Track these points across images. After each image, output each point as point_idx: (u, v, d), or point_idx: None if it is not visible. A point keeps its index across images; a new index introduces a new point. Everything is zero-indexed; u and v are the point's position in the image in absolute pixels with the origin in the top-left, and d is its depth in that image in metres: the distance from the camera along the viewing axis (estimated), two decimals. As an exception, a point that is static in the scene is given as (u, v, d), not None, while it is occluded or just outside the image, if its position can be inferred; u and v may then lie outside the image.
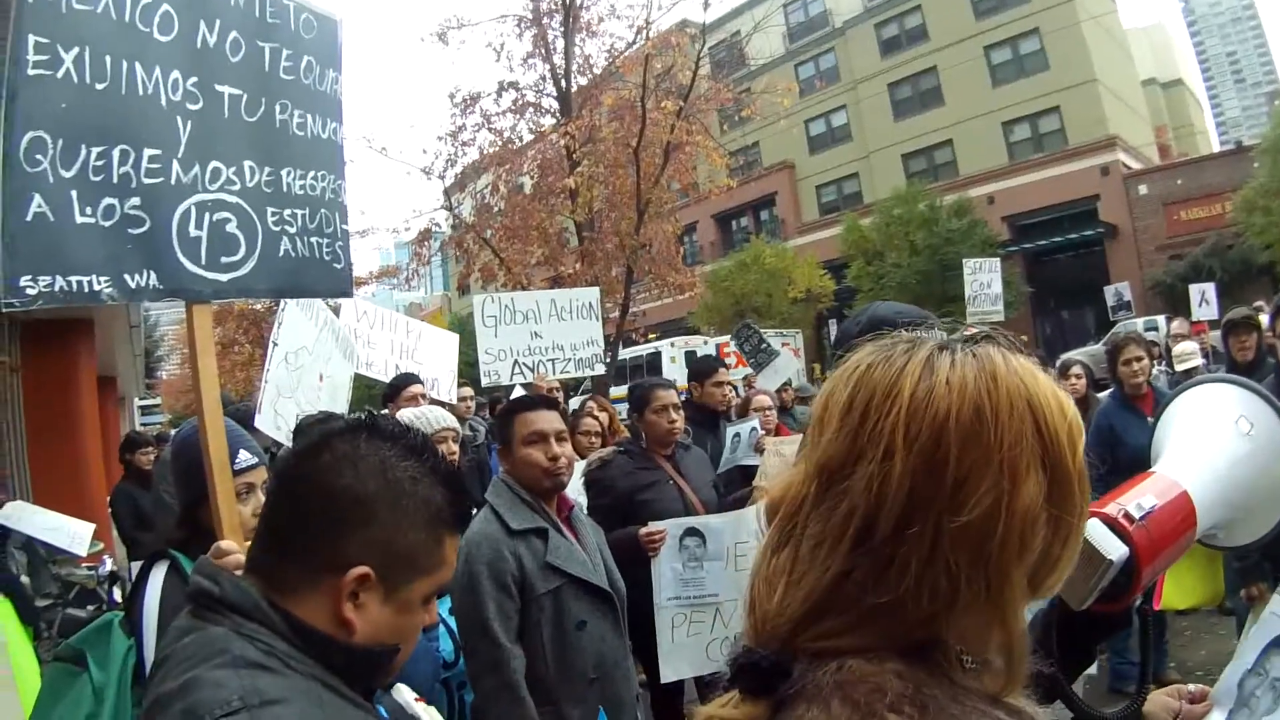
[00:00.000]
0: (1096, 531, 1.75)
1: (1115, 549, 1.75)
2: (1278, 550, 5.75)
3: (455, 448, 6.26)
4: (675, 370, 28.64)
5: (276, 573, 1.87)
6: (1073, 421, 1.23)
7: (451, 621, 4.46)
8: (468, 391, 11.02)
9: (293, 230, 4.08)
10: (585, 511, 5.37)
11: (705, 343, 29.00)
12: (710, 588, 5.96)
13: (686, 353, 31.22)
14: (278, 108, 4.04)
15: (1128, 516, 1.81)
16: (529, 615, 4.27)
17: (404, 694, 2.45)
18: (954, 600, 1.14)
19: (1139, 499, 1.88)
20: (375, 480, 1.91)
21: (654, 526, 5.92)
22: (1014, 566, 1.17)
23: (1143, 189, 44.95)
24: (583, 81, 24.25)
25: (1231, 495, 2.12)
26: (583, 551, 4.56)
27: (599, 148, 22.72)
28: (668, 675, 5.86)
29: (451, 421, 6.39)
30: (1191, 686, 2.27)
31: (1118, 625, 2.02)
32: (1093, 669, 5.86)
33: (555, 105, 24.31)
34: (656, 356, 33.01)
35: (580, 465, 6.60)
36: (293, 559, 1.87)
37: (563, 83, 23.87)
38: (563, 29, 23.69)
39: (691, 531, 6.00)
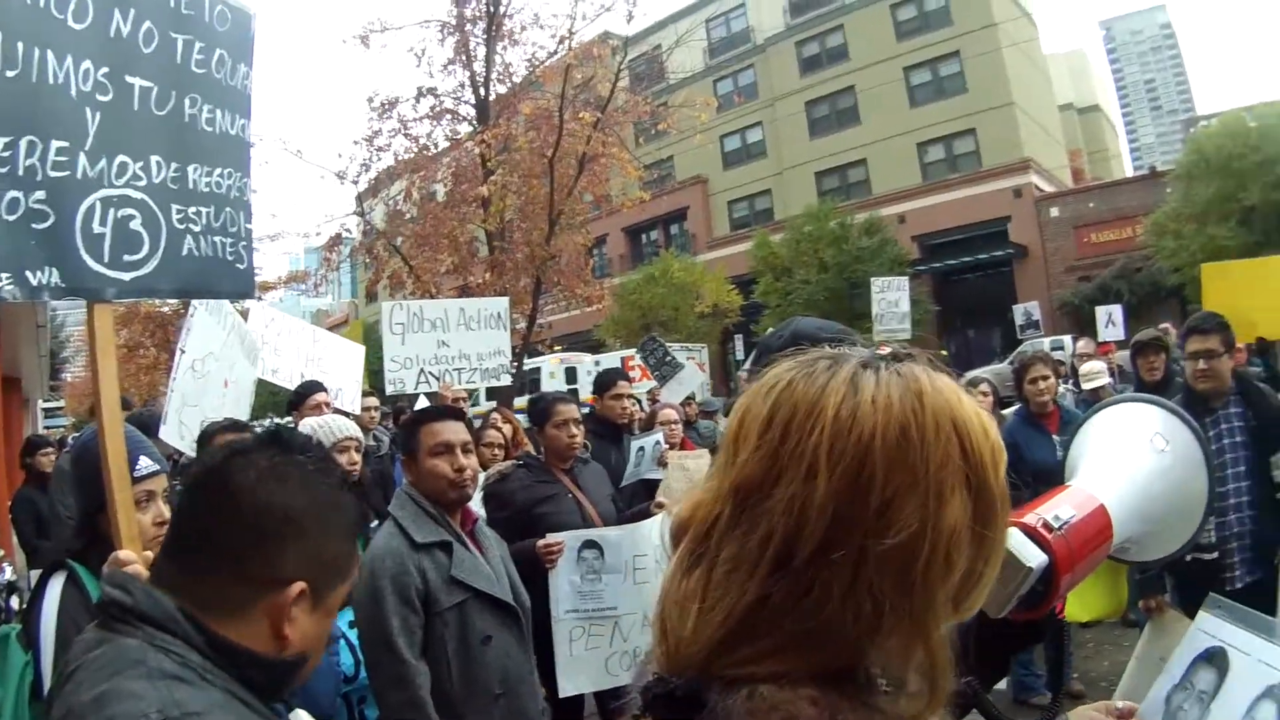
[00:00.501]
0: (1016, 540, 1.77)
1: (1034, 557, 1.78)
2: (1178, 564, 5.89)
3: (358, 457, 6.26)
4: (554, 386, 28.52)
5: (201, 590, 1.84)
6: (995, 442, 1.22)
7: (352, 635, 4.41)
8: (373, 401, 10.96)
9: (197, 229, 4.01)
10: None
11: (597, 361, 28.93)
12: (608, 601, 6.00)
13: (567, 369, 31.18)
14: (187, 102, 3.97)
15: (1047, 526, 1.84)
16: (433, 630, 4.22)
17: (301, 718, 2.41)
18: (878, 625, 1.12)
19: (1057, 510, 1.91)
20: (302, 495, 1.91)
21: (552, 538, 5.94)
22: (939, 588, 1.15)
23: (1054, 211, 45.93)
24: (502, 90, 24.18)
25: (1146, 509, 2.18)
26: (487, 565, 4.53)
27: (514, 157, 22.70)
28: (566, 689, 5.85)
29: (354, 431, 6.38)
30: (1120, 703, 2.30)
31: (1036, 635, 2.07)
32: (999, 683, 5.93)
33: (473, 113, 24.17)
34: (536, 372, 32.69)
35: (481, 478, 6.56)
36: (222, 576, 1.85)
37: (481, 90, 23.77)
38: (485, 36, 23.55)
39: (589, 544, 6.05)
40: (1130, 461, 2.26)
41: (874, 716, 1.12)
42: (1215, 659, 2.37)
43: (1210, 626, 2.46)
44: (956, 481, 1.15)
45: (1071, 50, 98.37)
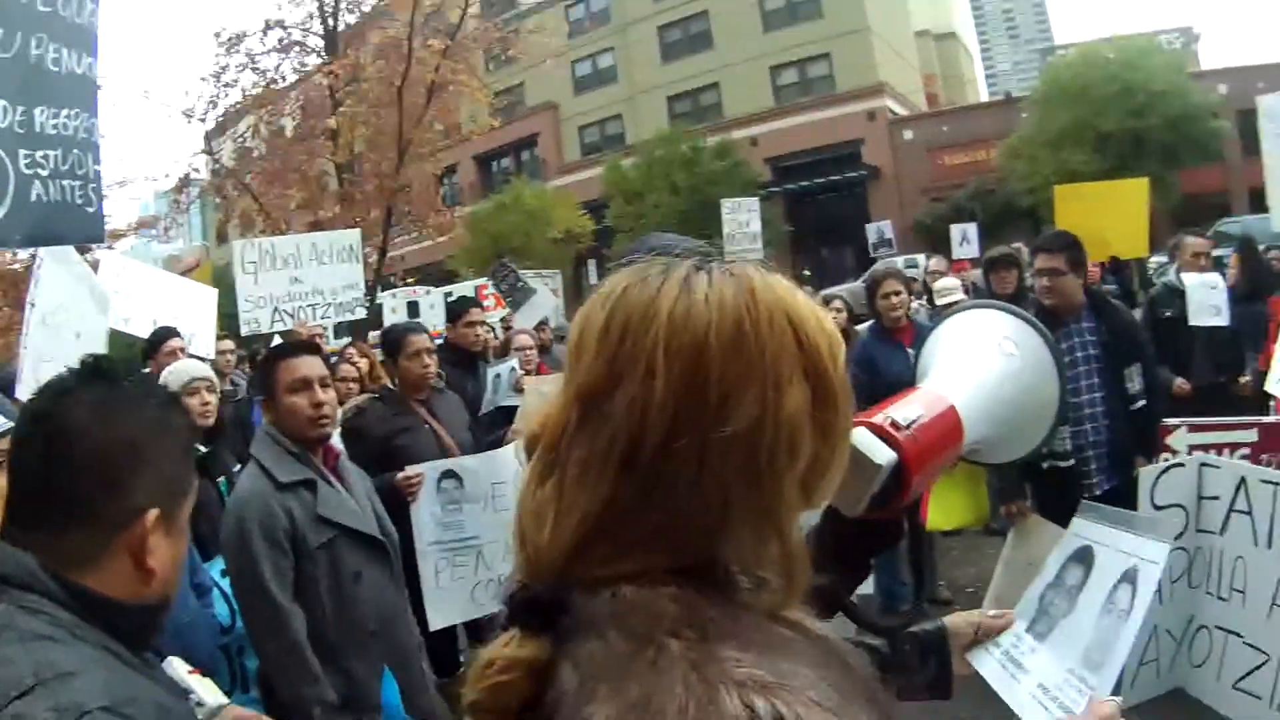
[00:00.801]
0: (864, 439, 1.80)
1: (884, 454, 1.79)
2: (1035, 471, 6.16)
3: (210, 398, 6.14)
4: (396, 320, 28.07)
5: (58, 544, 1.79)
6: (832, 335, 1.25)
7: (225, 584, 4.38)
8: (228, 345, 10.67)
9: (45, 173, 3.92)
10: None
11: (428, 292, 28.47)
12: (470, 530, 5.99)
13: (409, 303, 30.70)
14: (34, 42, 3.87)
15: (894, 424, 1.86)
16: (304, 571, 4.16)
17: (176, 667, 2.41)
18: (727, 515, 1.15)
19: (905, 409, 1.94)
20: (136, 422, 1.87)
21: (410, 470, 5.90)
22: (785, 476, 1.18)
23: (908, 134, 46.83)
24: (351, 19, 23.68)
25: (996, 412, 2.23)
26: (353, 501, 4.48)
27: (362, 88, 22.31)
28: (435, 622, 5.82)
29: (204, 372, 6.30)
30: (990, 610, 2.38)
31: (893, 536, 2.07)
32: (868, 588, 6.12)
33: (321, 44, 23.66)
34: (378, 309, 31.92)
35: (338, 414, 6.52)
36: (77, 525, 1.80)
37: (330, 20, 23.28)
38: (335, -36, 22.99)
39: (448, 474, 6.02)
40: (979, 364, 2.32)
41: (733, 610, 1.14)
42: (1084, 556, 2.49)
43: (1081, 529, 2.57)
44: (793, 371, 1.17)
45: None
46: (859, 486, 1.79)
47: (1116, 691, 2.14)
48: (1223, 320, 8.54)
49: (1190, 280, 8.77)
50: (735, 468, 1.14)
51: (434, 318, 22.83)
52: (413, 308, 27.15)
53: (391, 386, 6.88)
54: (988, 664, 2.30)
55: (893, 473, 1.83)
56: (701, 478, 1.13)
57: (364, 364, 8.89)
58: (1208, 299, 8.65)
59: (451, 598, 5.93)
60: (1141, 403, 6.23)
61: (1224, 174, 38.94)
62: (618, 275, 1.26)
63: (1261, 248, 11.39)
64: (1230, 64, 44.91)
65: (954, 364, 2.36)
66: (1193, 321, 8.53)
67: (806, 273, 34.86)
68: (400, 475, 5.84)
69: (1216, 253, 10.10)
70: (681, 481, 1.13)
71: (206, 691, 2.51)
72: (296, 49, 23.93)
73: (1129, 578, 2.32)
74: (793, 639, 1.16)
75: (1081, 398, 6.20)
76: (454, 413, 6.89)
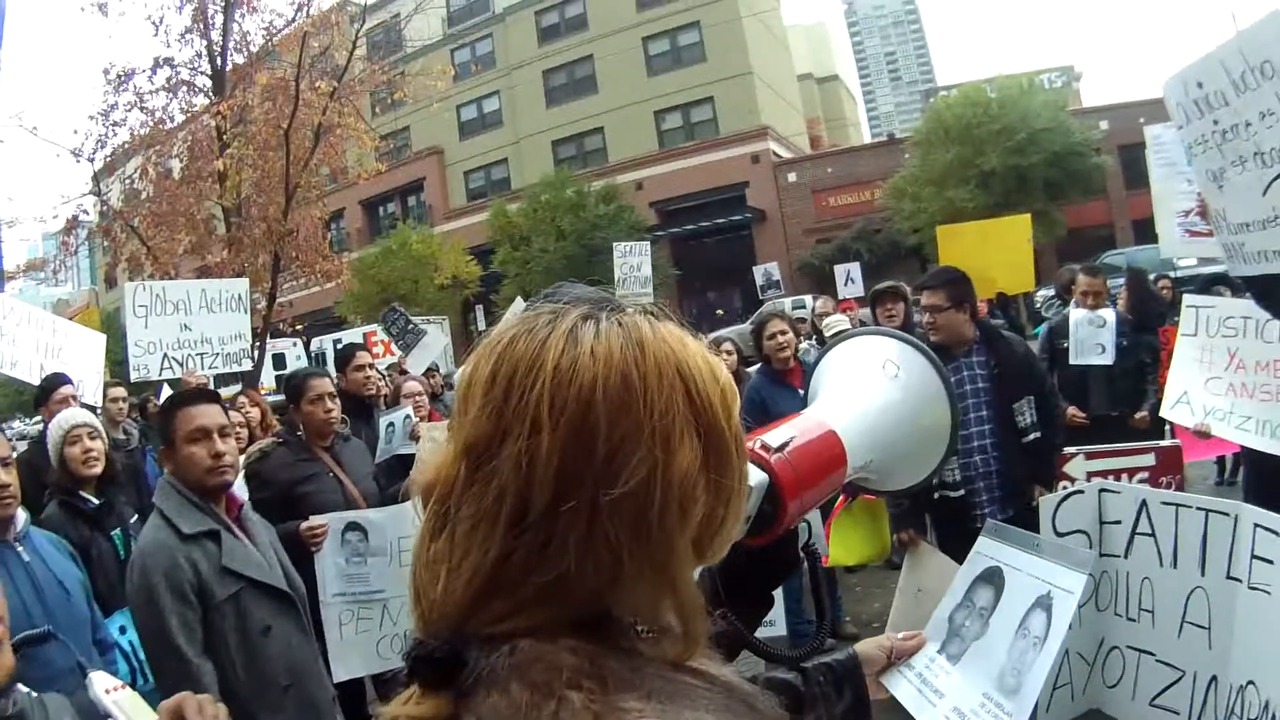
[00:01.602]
0: None
1: (753, 475, 1.76)
2: (931, 502, 6.27)
3: (93, 444, 5.97)
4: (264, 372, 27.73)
5: None
6: (725, 385, 1.23)
7: (124, 642, 4.26)
8: (120, 392, 10.45)
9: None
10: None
11: (294, 344, 28.05)
12: (375, 584, 5.93)
13: (274, 355, 30.01)
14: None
15: (765, 447, 1.85)
16: (211, 624, 4.08)
17: (95, 686, 2.31)
18: (618, 573, 1.13)
19: (778, 433, 1.92)
20: None
21: (315, 521, 5.83)
22: (676, 535, 1.16)
23: (792, 176, 47.65)
24: (239, 59, 23.39)
25: (881, 437, 2.22)
26: (258, 553, 4.39)
27: (250, 129, 22.05)
28: (339, 674, 5.69)
29: (84, 418, 6.14)
30: (900, 633, 2.40)
31: (786, 566, 2.06)
32: (776, 628, 6.13)
33: (209, 84, 23.29)
34: (279, 356, 31.35)
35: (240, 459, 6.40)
36: None
37: (219, 60, 22.94)
38: (224, 3, 22.73)
39: (353, 526, 5.95)
40: (864, 390, 2.31)
41: (634, 660, 1.13)
42: (992, 577, 2.53)
43: (987, 549, 2.62)
44: (684, 428, 1.16)
45: (814, 23, 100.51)
46: None
47: (1033, 718, 2.18)
48: (1107, 359, 8.73)
49: (1075, 317, 8.95)
50: (626, 528, 1.12)
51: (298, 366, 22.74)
52: (279, 360, 26.71)
53: (291, 431, 6.75)
54: (902, 687, 2.33)
55: (770, 497, 1.81)
56: (592, 537, 1.11)
57: (255, 413, 8.78)
58: (1092, 337, 8.82)
59: (356, 650, 5.86)
60: (1035, 435, 6.29)
61: (1107, 208, 40.54)
62: (505, 324, 1.25)
63: (1152, 276, 11.67)
64: (1112, 101, 46.26)
65: (838, 390, 2.36)
66: (1073, 360, 8.72)
67: (720, 312, 35.30)
68: (304, 526, 5.77)
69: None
70: (572, 540, 1.11)
71: (130, 711, 2.40)
72: (185, 88, 23.57)
73: (1043, 604, 2.36)
74: (695, 686, 1.16)
75: (971, 430, 6.29)
76: (359, 460, 6.84)
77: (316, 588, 5.67)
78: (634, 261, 17.94)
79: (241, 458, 6.57)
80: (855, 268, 23.52)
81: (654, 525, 1.13)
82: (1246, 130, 4.43)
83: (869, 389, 2.31)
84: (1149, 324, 9.86)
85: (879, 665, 2.29)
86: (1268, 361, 6.83)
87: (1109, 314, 8.95)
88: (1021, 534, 2.65)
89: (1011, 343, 6.67)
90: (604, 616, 1.17)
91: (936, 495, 6.27)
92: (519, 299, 15.17)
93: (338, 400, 6.70)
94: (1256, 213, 4.58)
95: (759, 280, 28.08)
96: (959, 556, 6.19)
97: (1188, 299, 7.77)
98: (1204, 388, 7.23)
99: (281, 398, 6.70)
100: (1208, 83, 4.63)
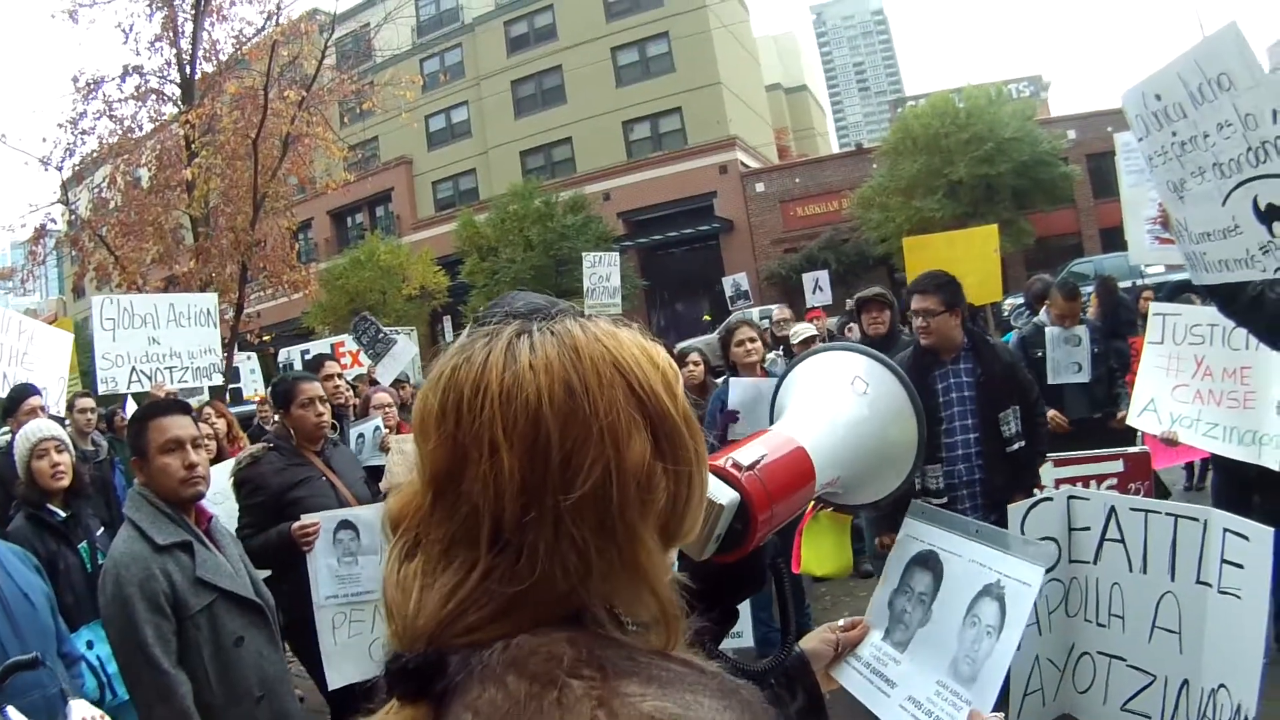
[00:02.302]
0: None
1: (725, 495, 1.80)
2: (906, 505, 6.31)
3: (60, 458, 5.96)
4: (256, 381, 27.47)
5: None
6: (665, 369, 1.27)
7: (91, 656, 4.24)
8: (89, 403, 10.38)
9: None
10: (237, 513, 5.49)
11: (249, 357, 27.81)
12: (366, 584, 5.91)
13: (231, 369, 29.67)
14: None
15: (736, 465, 1.87)
16: (186, 635, 4.08)
17: (74, 716, 2.31)
18: (588, 572, 1.16)
19: (750, 451, 1.94)
20: None
21: (307, 519, 5.83)
22: (641, 526, 1.19)
23: (760, 186, 47.65)
24: (208, 68, 23.27)
25: (848, 453, 2.24)
26: (228, 564, 4.40)
27: (218, 139, 21.94)
28: (334, 681, 5.77)
29: (53, 431, 6.12)
30: (841, 621, 2.45)
31: (753, 581, 2.06)
32: (748, 641, 6.15)
33: (178, 93, 23.16)
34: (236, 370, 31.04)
35: (217, 470, 6.38)
36: None
37: (188, 69, 22.82)
38: (193, 11, 22.63)
39: (344, 525, 5.95)
40: (832, 406, 2.32)
41: (627, 650, 1.15)
42: (928, 562, 2.57)
43: (916, 531, 2.67)
44: (630, 421, 1.19)
45: (782, 33, 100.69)
46: (704, 528, 1.77)
47: (999, 709, 2.20)
48: (1083, 377, 8.81)
49: (1050, 334, 9.01)
50: (590, 527, 1.16)
51: (254, 382, 22.66)
52: (234, 374, 26.54)
53: (281, 436, 6.72)
54: (853, 679, 2.39)
55: (740, 514, 1.84)
56: (559, 541, 1.15)
57: (221, 424, 8.76)
58: (1068, 356, 8.90)
59: (350, 655, 5.83)
60: (1019, 444, 6.32)
61: (1075, 216, 40.74)
62: (445, 355, 1.28)
63: (1125, 284, 11.73)
64: (1080, 110, 46.64)
65: (806, 406, 2.37)
66: (1051, 380, 8.78)
67: (708, 318, 35.31)
68: (296, 525, 5.79)
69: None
70: (541, 547, 1.14)
71: None
72: (154, 97, 23.43)
73: (993, 593, 2.38)
74: (689, 673, 1.16)
75: (955, 437, 6.34)
76: (350, 465, 6.87)
77: (303, 595, 5.70)
78: (603, 272, 18.08)
79: (230, 464, 6.61)
80: (824, 276, 23.54)
81: (617, 521, 1.17)
82: (1205, 141, 4.47)
83: (837, 405, 2.33)
84: (1120, 330, 9.94)
85: (826, 659, 2.35)
86: (1235, 368, 6.91)
87: (1083, 331, 9.02)
88: (949, 515, 2.70)
89: (999, 351, 6.74)
90: (579, 614, 1.19)
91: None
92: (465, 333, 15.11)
93: (328, 404, 6.71)
94: (1217, 222, 4.62)
95: (728, 291, 28.09)
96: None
97: (1154, 307, 7.85)
98: (1171, 395, 7.31)
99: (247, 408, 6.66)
100: (1166, 95, 4.67)
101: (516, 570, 1.14)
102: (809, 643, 2.32)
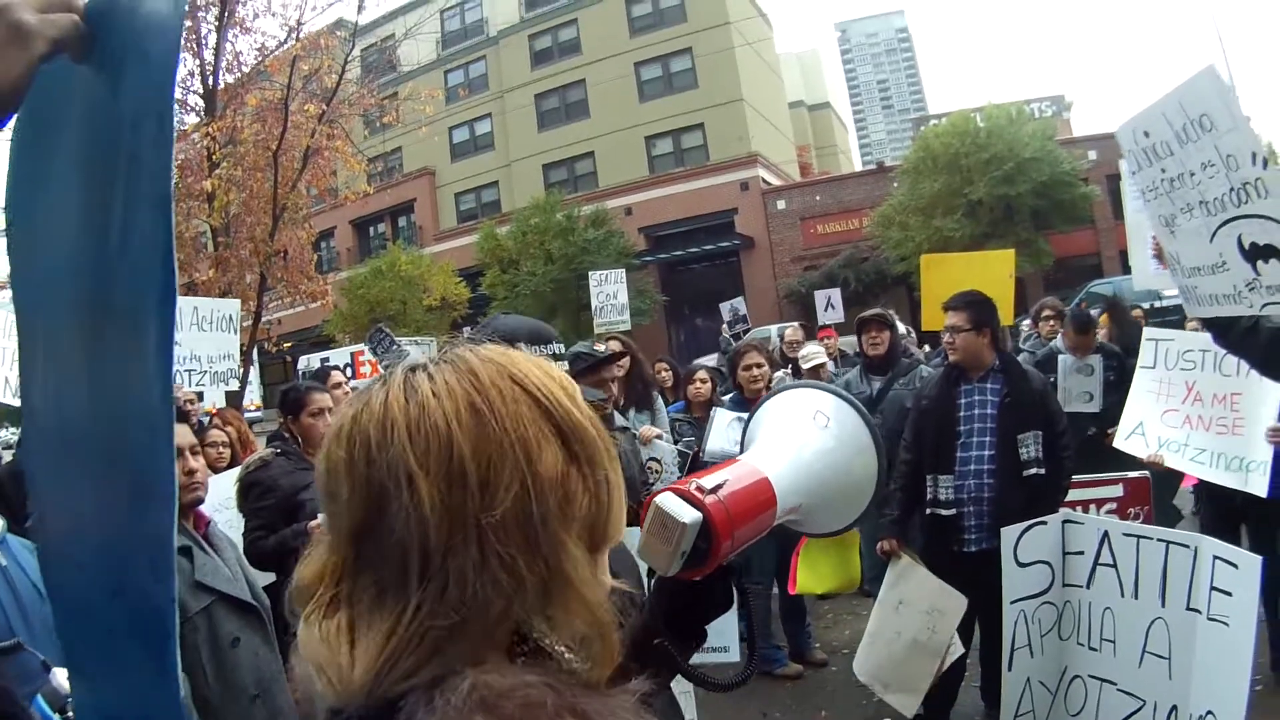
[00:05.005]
0: (670, 502, 1.89)
1: (688, 514, 1.86)
2: (924, 517, 6.46)
3: None
4: (252, 392, 27.39)
5: None
6: (560, 379, 1.29)
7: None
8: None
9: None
10: (243, 516, 5.61)
11: (325, 357, 27.83)
12: None
13: None
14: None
15: (699, 489, 1.93)
16: (184, 636, 4.05)
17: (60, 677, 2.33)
18: (519, 586, 1.16)
19: (714, 477, 2.01)
20: None
21: (323, 519, 5.82)
22: (565, 535, 1.20)
23: (781, 204, 47.59)
24: (230, 80, 23.34)
25: (809, 483, 2.31)
26: (226, 568, 4.43)
27: (239, 150, 21.99)
28: None
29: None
30: None
31: (720, 602, 2.10)
32: (734, 656, 6.19)
33: (200, 103, 23.25)
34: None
35: (216, 479, 6.46)
36: None
37: (210, 80, 22.91)
38: (217, 24, 22.70)
39: None
40: (794, 438, 2.41)
41: (587, 690, 1.14)
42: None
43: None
44: (538, 432, 1.20)
45: (806, 50, 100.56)
46: (669, 545, 1.87)
47: None
48: (1094, 407, 8.79)
49: (1063, 364, 9.03)
50: (515, 543, 1.16)
51: (250, 393, 22.71)
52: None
53: (289, 441, 6.76)
54: None
55: (703, 535, 1.90)
56: (485, 561, 1.15)
57: (232, 431, 8.78)
58: (1079, 385, 8.90)
59: None
60: (1037, 470, 6.25)
61: (1095, 237, 40.39)
62: (341, 410, 1.30)
63: (1145, 305, 11.64)
64: (1101, 130, 46.44)
65: (772, 438, 2.46)
66: (1066, 409, 8.75)
67: (732, 333, 35.27)
68: (313, 523, 5.79)
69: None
70: (470, 571, 1.14)
71: None
72: (176, 107, 23.37)
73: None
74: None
75: (970, 453, 6.37)
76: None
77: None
78: (610, 290, 18.11)
79: (231, 475, 6.76)
80: (836, 294, 23.35)
81: (539, 532, 1.18)
82: (1191, 179, 4.50)
83: (800, 438, 2.42)
84: (1134, 349, 9.95)
85: None
86: (1225, 394, 6.92)
87: (1096, 361, 9.05)
88: None
89: (1030, 378, 6.68)
90: (524, 637, 1.22)
91: (928, 510, 6.38)
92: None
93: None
94: (1206, 258, 4.64)
95: (725, 316, 27.64)
96: (942, 572, 6.28)
97: (1148, 332, 7.90)
98: (1160, 419, 7.32)
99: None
100: (1154, 133, 4.70)
101: (446, 598, 1.14)
102: None
